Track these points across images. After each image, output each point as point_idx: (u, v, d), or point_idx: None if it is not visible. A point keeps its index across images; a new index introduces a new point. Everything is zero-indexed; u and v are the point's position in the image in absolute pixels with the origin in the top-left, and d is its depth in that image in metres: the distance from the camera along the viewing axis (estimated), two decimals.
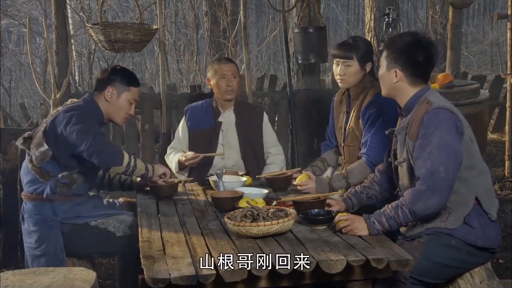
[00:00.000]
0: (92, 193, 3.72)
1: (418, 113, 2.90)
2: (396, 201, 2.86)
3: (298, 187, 3.57)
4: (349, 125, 3.73)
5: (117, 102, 3.55)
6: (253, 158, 4.14)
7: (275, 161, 4.17)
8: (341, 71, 3.67)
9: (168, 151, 4.25)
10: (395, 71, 2.97)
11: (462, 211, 2.88)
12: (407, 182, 2.97)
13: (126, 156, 3.38)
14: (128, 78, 3.60)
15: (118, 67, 3.66)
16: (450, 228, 2.88)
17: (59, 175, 3.42)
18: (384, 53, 3.03)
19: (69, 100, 3.66)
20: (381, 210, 2.86)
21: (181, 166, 4.06)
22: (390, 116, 3.35)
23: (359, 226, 2.80)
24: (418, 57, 2.94)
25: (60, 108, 3.57)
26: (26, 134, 3.58)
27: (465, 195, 2.88)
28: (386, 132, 3.14)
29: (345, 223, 2.81)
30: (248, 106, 4.34)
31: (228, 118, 4.16)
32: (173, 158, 4.13)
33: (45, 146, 3.40)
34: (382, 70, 3.04)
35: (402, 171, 2.99)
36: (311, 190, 3.52)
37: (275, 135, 4.34)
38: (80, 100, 3.58)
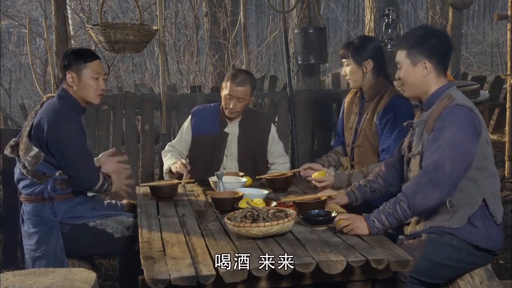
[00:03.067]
0: (91, 194, 3.71)
1: (439, 107, 2.89)
2: (394, 198, 2.85)
3: (316, 183, 3.54)
4: (362, 126, 3.73)
5: (81, 83, 3.49)
6: (251, 169, 4.09)
7: (279, 168, 4.13)
8: (344, 71, 3.78)
9: (167, 147, 4.23)
10: (424, 63, 2.95)
11: (467, 210, 2.87)
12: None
13: (99, 184, 3.46)
14: (80, 56, 3.52)
15: (70, 50, 3.61)
16: (454, 227, 2.87)
17: (56, 173, 3.41)
18: (403, 52, 2.99)
19: (45, 97, 3.63)
20: (380, 208, 2.85)
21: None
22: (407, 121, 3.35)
23: (360, 225, 2.79)
24: (438, 45, 2.94)
25: (38, 108, 3.53)
26: (12, 142, 3.54)
27: (473, 195, 2.87)
28: (404, 124, 3.12)
29: (346, 223, 2.80)
30: (255, 117, 4.22)
31: (233, 128, 4.11)
32: (167, 161, 4.12)
33: (35, 149, 3.37)
34: (405, 70, 2.99)
35: (415, 164, 2.97)
36: (329, 184, 3.50)
37: (282, 145, 4.29)
38: (55, 96, 3.55)
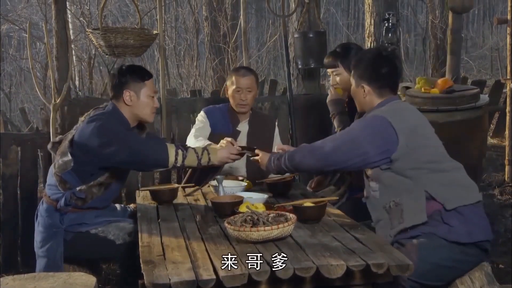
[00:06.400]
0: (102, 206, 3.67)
1: None
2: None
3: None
4: None
5: (139, 102, 3.45)
6: (258, 168, 4.09)
7: None
8: (333, 81, 3.80)
9: (195, 132, 4.06)
10: (363, 86, 3.16)
11: (417, 204, 2.96)
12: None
13: (172, 154, 3.28)
14: (138, 74, 3.48)
15: (124, 68, 3.52)
16: (408, 226, 2.96)
17: (77, 188, 3.37)
18: (352, 72, 3.23)
19: (103, 105, 3.56)
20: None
21: None
22: None
23: (263, 158, 3.36)
24: (382, 70, 3.13)
25: (91, 112, 3.51)
26: (57, 139, 3.55)
27: (413, 190, 2.97)
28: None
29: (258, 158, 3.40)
30: (262, 117, 4.32)
31: (243, 127, 4.14)
32: (200, 142, 3.88)
33: (69, 157, 3.34)
34: (352, 88, 3.24)
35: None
36: None
37: None
38: (105, 108, 3.50)
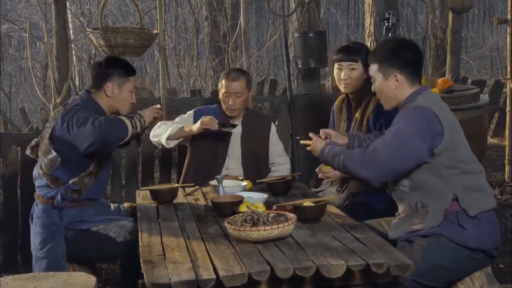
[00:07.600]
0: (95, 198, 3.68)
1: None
2: (349, 149, 3.18)
3: (324, 175, 3.55)
4: (352, 133, 3.72)
5: (120, 96, 3.49)
6: (255, 169, 4.10)
7: (280, 169, 4.14)
8: (345, 75, 3.67)
9: (174, 119, 4.12)
10: (395, 76, 3.01)
11: (440, 206, 2.90)
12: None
13: (129, 126, 3.33)
14: (125, 69, 3.51)
15: (111, 60, 3.54)
16: (427, 228, 2.91)
17: (70, 182, 3.38)
18: (375, 66, 3.07)
19: (71, 99, 3.60)
20: (338, 146, 3.13)
21: (179, 135, 3.97)
22: None
23: (317, 144, 3.17)
24: (409, 56, 3.02)
25: (61, 108, 3.51)
26: (33, 142, 3.53)
27: (443, 193, 2.90)
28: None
29: (309, 144, 3.22)
30: (256, 116, 4.27)
31: (236, 129, 4.09)
32: (170, 127, 3.96)
33: (53, 153, 3.36)
34: (378, 83, 3.07)
35: None
36: (337, 174, 3.49)
37: (282, 145, 4.29)
38: (77, 99, 3.51)
